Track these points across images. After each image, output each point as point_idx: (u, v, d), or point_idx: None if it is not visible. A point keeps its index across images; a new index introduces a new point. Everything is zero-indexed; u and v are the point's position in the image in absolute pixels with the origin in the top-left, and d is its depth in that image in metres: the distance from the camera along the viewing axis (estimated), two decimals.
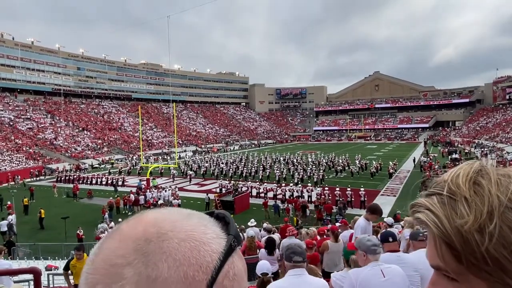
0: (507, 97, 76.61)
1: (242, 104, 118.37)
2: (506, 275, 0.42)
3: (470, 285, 0.45)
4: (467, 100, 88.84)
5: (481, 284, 0.44)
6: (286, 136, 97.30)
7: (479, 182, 0.46)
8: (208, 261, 0.43)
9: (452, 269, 0.46)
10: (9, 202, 24.93)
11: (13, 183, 34.76)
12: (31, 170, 39.88)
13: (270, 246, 6.89)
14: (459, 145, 56.57)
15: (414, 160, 40.35)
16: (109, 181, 33.22)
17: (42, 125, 58.72)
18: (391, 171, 32.51)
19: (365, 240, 2.96)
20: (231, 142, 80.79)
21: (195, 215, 0.49)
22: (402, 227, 8.45)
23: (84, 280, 0.43)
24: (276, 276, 5.99)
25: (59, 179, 36.27)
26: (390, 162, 34.30)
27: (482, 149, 46.09)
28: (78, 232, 16.87)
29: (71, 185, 31.61)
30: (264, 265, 4.16)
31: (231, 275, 0.45)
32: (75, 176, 36.09)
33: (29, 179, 37.53)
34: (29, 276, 6.86)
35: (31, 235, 19.06)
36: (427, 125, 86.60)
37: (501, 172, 0.48)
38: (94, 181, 34.29)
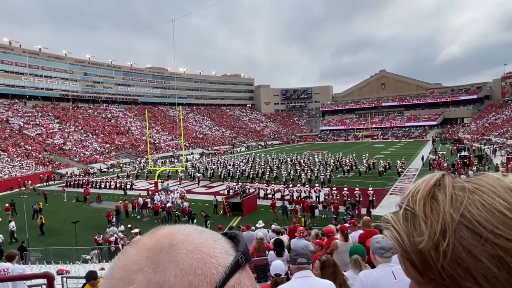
0: None
1: (248, 105, 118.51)
2: None
3: None
4: (475, 96, 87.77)
5: None
6: (293, 136, 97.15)
7: (436, 197, 0.48)
8: (213, 273, 0.45)
9: (418, 282, 0.48)
10: (7, 204, 25.40)
11: (23, 188, 35.23)
12: (41, 176, 40.40)
13: (279, 247, 6.90)
14: (467, 142, 55.93)
15: (422, 159, 39.98)
16: (118, 185, 33.51)
17: (51, 131, 59.44)
18: (399, 170, 32.26)
19: (375, 241, 2.95)
20: (238, 143, 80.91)
21: (208, 232, 0.52)
22: None
23: (102, 285, 0.47)
24: (288, 277, 5.98)
25: (68, 183, 36.67)
26: (398, 161, 34.05)
27: (491, 146, 45.51)
28: (96, 237, 17.02)
29: (80, 190, 31.96)
30: (278, 266, 4.16)
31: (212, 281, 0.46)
32: (84, 181, 36.46)
33: (39, 184, 37.99)
34: (42, 281, 6.94)
35: (42, 240, 19.29)
36: (435, 123, 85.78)
37: (458, 185, 0.48)
38: (103, 185, 34.61)
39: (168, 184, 31.51)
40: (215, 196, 24.64)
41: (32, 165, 44.54)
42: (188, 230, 0.50)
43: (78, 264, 14.02)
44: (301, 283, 2.86)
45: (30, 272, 8.65)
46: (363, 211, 20.09)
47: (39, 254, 15.77)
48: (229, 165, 41.25)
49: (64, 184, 36.44)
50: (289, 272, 6.74)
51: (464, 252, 0.42)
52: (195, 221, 19.99)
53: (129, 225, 18.35)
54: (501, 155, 37.48)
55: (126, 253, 0.48)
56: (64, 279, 9.02)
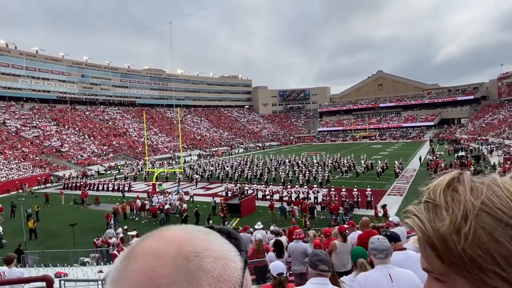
0: None
1: (246, 106, 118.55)
2: (482, 272, 0.45)
3: (455, 286, 0.49)
4: (472, 97, 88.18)
5: (463, 283, 0.48)
6: (291, 137, 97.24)
7: (456, 189, 0.50)
8: (235, 276, 0.47)
9: (437, 270, 0.51)
10: None
11: (21, 191, 35.07)
12: (38, 178, 40.22)
13: (279, 248, 6.90)
14: (464, 143, 56.16)
15: (420, 159, 40.11)
16: (116, 187, 33.42)
17: (48, 133, 59.25)
18: (397, 171, 32.32)
19: (370, 241, 2.96)
20: (236, 145, 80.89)
21: (214, 233, 0.53)
22: None
23: None
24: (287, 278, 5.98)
25: (66, 186, 36.54)
26: (396, 162, 34.12)
27: (488, 146, 45.70)
28: (95, 240, 16.94)
29: (78, 192, 31.84)
30: (279, 266, 4.16)
31: (237, 285, 0.48)
32: (81, 183, 36.34)
33: (36, 187, 37.84)
34: (40, 284, 6.91)
35: (40, 243, 19.21)
36: (432, 123, 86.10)
37: (476, 180, 0.51)
38: (100, 187, 34.50)
39: (162, 188, 31.20)
40: (213, 198, 24.63)
41: (30, 168, 44.36)
42: (199, 233, 0.50)
43: (76, 266, 13.96)
44: None
45: (28, 275, 8.61)
46: (362, 211, 20.10)
47: (37, 257, 15.70)
48: (227, 166, 41.23)
49: (62, 187, 36.31)
50: (287, 273, 6.74)
51: (486, 234, 0.44)
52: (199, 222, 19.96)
53: (125, 227, 18.26)
54: (498, 155, 37.61)
55: (139, 265, 0.44)
56: (62, 282, 8.97)
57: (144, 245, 0.47)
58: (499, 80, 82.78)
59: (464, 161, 33.99)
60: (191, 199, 26.09)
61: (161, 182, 33.74)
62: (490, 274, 0.44)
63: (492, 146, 45.38)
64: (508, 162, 31.95)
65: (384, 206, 19.13)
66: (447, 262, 0.48)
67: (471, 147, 48.98)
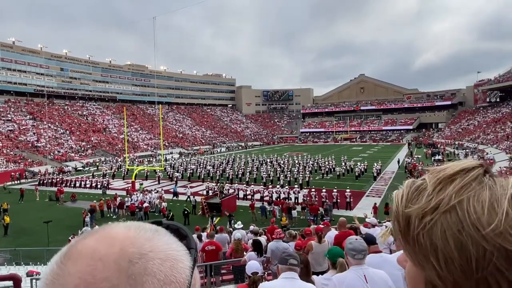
0: (488, 99, 78.75)
1: (229, 105, 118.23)
2: (425, 261, 0.47)
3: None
4: (449, 102, 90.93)
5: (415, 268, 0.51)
6: (274, 137, 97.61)
7: (453, 181, 0.49)
8: (183, 277, 0.45)
9: (402, 245, 0.53)
10: None
11: None
12: (12, 173, 38.84)
13: (258, 247, 6.90)
14: (440, 146, 57.83)
15: (398, 162, 41.03)
16: (95, 184, 32.69)
17: (24, 127, 57.34)
18: (375, 175, 32.84)
19: (348, 241, 3.01)
20: (218, 144, 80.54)
21: (161, 231, 0.50)
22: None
23: None
24: (263, 277, 5.99)
25: (41, 182, 35.47)
26: (375, 164, 34.76)
27: (463, 150, 47.22)
28: (70, 238, 16.48)
29: (54, 188, 30.96)
30: (254, 265, 4.19)
31: (197, 287, 0.48)
32: (58, 179, 35.36)
33: (9, 183, 36.56)
34: (9, 283, 6.68)
35: (12, 240, 18.56)
36: (411, 127, 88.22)
37: (481, 179, 0.49)
38: (78, 184, 33.68)
39: (142, 187, 30.40)
40: (194, 197, 24.44)
41: (3, 163, 42.80)
42: (145, 232, 0.47)
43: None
44: (287, 284, 2.89)
45: None
46: (341, 212, 20.37)
47: (8, 255, 15.15)
48: (209, 165, 40.99)
49: (37, 183, 35.23)
50: (265, 273, 6.75)
51: (440, 231, 0.45)
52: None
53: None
54: (473, 160, 38.88)
55: (78, 267, 0.41)
56: (34, 281, 8.71)
57: (83, 245, 0.44)
58: (475, 87, 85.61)
59: (440, 164, 34.92)
60: (188, 199, 25.16)
61: (142, 181, 33.16)
62: (430, 266, 0.46)
63: (467, 150, 46.92)
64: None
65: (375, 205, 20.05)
66: (404, 242, 0.51)
67: (447, 151, 50.51)
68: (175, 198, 26.90)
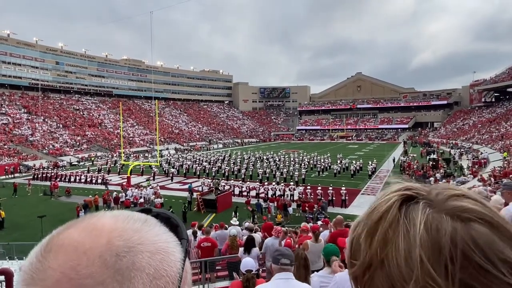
0: (483, 99, 79.19)
1: (226, 102, 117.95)
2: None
3: None
4: (445, 102, 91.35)
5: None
6: (272, 134, 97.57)
7: (375, 231, 0.46)
8: (174, 271, 0.43)
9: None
10: None
11: None
12: (6, 167, 38.53)
13: (250, 244, 6.88)
14: (435, 145, 58.13)
15: (394, 160, 41.17)
16: (90, 179, 32.51)
17: (18, 121, 56.83)
18: (369, 174, 32.94)
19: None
20: (214, 140, 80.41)
21: (151, 221, 0.47)
22: None
23: None
24: (257, 276, 5.98)
25: (35, 176, 35.21)
26: (370, 162, 34.83)
27: (458, 150, 47.45)
28: None
29: (48, 183, 30.73)
30: (249, 262, 4.16)
31: (188, 279, 0.46)
32: (52, 174, 35.12)
33: (3, 177, 36.25)
34: (1, 278, 6.61)
35: (5, 235, 18.42)
36: (406, 126, 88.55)
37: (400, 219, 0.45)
38: (73, 179, 33.46)
39: (150, 183, 29.93)
40: (189, 193, 24.35)
41: None
42: (133, 223, 0.44)
43: None
44: (282, 285, 2.81)
45: None
46: (336, 210, 20.42)
47: (1, 250, 15.04)
48: (205, 161, 40.91)
49: (31, 177, 34.96)
50: (260, 269, 6.74)
51: (370, 280, 0.45)
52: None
53: None
54: (467, 159, 39.10)
55: (59, 260, 0.37)
56: None
57: (66, 237, 0.40)
58: (471, 87, 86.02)
59: (435, 163, 35.17)
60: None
61: (148, 178, 32.87)
62: None
63: (461, 150, 47.16)
64: (476, 166, 33.29)
65: None
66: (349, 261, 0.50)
67: (440, 150, 50.78)
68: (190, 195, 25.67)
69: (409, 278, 0.40)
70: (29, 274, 0.38)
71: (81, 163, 46.64)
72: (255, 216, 19.59)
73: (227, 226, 12.98)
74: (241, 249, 6.87)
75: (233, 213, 18.78)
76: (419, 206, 0.44)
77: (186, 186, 26.78)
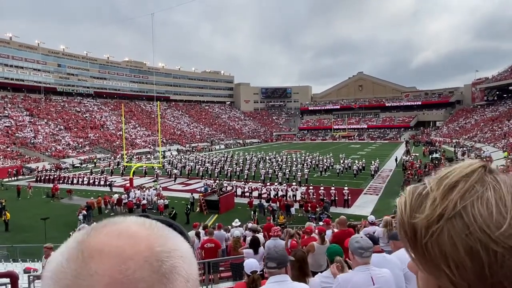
0: (485, 98, 78.89)
1: (227, 103, 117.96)
2: (437, 270, 0.47)
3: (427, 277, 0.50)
4: (447, 101, 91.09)
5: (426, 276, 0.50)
6: (274, 135, 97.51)
7: (456, 186, 0.48)
8: (196, 273, 0.46)
9: (410, 254, 0.52)
10: None
11: None
12: (9, 170, 38.66)
13: (254, 244, 6.87)
14: (438, 144, 57.92)
15: (396, 160, 41.07)
16: (92, 181, 32.59)
17: (21, 123, 57.06)
18: (372, 173, 32.88)
19: (354, 241, 2.91)
20: (216, 141, 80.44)
21: (166, 227, 0.49)
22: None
23: None
24: (262, 276, 5.97)
25: (38, 178, 35.33)
26: (373, 161, 34.74)
27: (460, 149, 47.30)
28: (71, 233, 16.38)
29: (51, 185, 30.83)
30: (253, 263, 4.14)
31: (197, 282, 0.48)
32: (55, 176, 35.22)
33: (7, 179, 36.38)
34: (6, 280, 6.62)
35: (9, 237, 18.49)
36: (409, 125, 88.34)
37: (483, 179, 0.48)
38: (75, 181, 33.54)
39: (158, 185, 30.01)
40: (192, 194, 24.38)
41: (0, 159, 42.61)
42: (160, 230, 0.46)
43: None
44: (275, 287, 2.77)
45: None
46: (339, 210, 20.36)
47: (5, 252, 15.09)
48: (208, 162, 40.93)
49: (34, 179, 35.07)
50: (264, 269, 6.73)
51: (448, 238, 0.45)
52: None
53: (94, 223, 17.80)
54: (470, 158, 38.95)
55: (109, 265, 0.38)
56: (31, 277, 8.66)
57: (101, 242, 0.41)
58: (473, 86, 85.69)
59: (437, 162, 35.05)
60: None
61: (155, 179, 33.11)
62: (442, 274, 0.46)
63: (464, 148, 47.00)
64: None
65: None
66: (413, 251, 0.50)
67: (442, 149, 50.59)
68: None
69: (496, 227, 0.42)
70: (65, 281, 0.38)
71: (84, 165, 46.77)
72: (276, 215, 19.48)
73: (229, 227, 12.98)
74: (249, 250, 6.82)
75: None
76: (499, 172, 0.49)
77: (189, 188, 26.84)
